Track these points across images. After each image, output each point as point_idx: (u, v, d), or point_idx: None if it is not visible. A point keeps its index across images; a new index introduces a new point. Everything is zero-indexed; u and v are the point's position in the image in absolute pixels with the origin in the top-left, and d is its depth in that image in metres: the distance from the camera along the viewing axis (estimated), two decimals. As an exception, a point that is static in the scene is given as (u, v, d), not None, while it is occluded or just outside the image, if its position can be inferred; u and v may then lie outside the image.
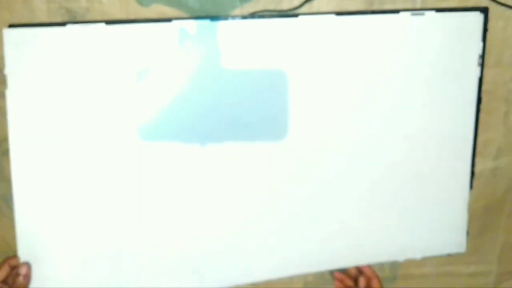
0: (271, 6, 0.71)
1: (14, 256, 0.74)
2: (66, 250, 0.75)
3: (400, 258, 0.80)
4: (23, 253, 0.74)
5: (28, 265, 0.73)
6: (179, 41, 0.68)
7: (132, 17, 0.70)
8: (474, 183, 0.77)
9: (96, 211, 0.74)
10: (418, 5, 0.72)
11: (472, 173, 0.76)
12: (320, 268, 0.80)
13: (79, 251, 0.75)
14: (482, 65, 0.71)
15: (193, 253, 0.77)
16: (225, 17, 0.67)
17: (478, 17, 0.69)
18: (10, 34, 0.67)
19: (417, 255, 0.80)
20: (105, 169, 0.73)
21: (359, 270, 0.79)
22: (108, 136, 0.73)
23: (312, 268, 0.79)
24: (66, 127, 0.72)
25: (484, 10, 0.69)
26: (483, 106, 0.74)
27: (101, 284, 0.75)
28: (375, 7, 0.71)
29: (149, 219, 0.75)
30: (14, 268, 0.72)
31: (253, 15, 0.70)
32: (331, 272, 0.82)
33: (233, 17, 0.67)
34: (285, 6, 0.71)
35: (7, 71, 0.67)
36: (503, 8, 0.72)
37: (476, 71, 0.71)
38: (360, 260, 0.79)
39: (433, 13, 0.68)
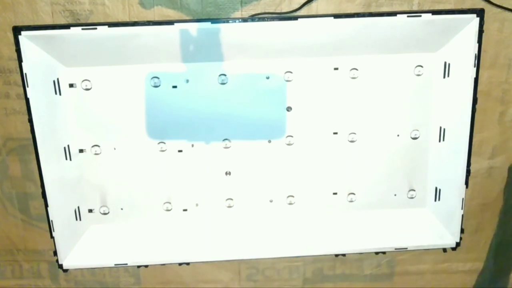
0: (271, 9, 0.72)
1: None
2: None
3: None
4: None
5: None
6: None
7: (135, 19, 0.71)
8: (470, 182, 0.78)
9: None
10: (415, 8, 0.73)
11: (468, 172, 0.77)
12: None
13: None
14: (477, 66, 0.72)
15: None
16: (226, 20, 0.68)
17: (474, 19, 0.70)
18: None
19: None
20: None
21: None
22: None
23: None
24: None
25: (480, 12, 0.70)
26: (478, 106, 0.75)
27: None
28: (373, 9, 0.72)
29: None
30: None
31: (253, 18, 0.70)
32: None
33: (234, 19, 0.68)
34: (285, 8, 0.72)
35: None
36: (498, 10, 0.73)
37: (472, 72, 0.73)
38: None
39: (429, 15, 0.69)
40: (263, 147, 0.79)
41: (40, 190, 0.74)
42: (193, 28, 0.68)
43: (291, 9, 0.72)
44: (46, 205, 0.74)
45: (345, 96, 0.77)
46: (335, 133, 0.79)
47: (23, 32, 0.67)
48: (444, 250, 0.83)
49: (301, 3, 0.72)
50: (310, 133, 0.78)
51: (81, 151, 0.77)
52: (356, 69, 0.75)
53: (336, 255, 0.83)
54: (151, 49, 0.70)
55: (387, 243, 0.81)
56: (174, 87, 0.74)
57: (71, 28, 0.67)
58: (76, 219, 0.79)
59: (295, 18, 0.68)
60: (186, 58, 0.72)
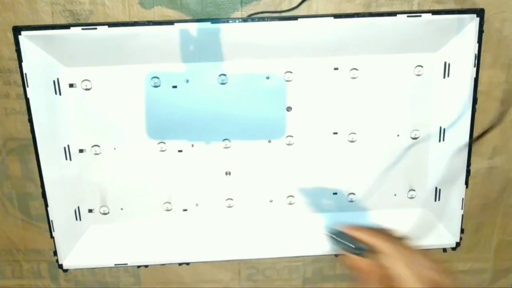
0: (271, 9, 0.72)
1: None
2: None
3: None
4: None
5: None
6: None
7: (135, 19, 0.71)
8: (470, 182, 0.78)
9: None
10: (415, 8, 0.73)
11: (468, 172, 0.77)
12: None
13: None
14: (477, 66, 0.72)
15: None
16: (226, 20, 0.68)
17: (474, 19, 0.70)
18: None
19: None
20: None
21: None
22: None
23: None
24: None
25: (480, 12, 0.70)
26: (478, 106, 0.75)
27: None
28: (373, 9, 0.72)
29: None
30: None
31: (253, 18, 0.70)
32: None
33: (234, 19, 0.68)
34: (285, 8, 0.72)
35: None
36: (498, 10, 0.73)
37: (472, 72, 0.73)
38: None
39: (429, 15, 0.69)
40: (263, 147, 0.79)
41: (40, 190, 0.74)
42: (193, 28, 0.67)
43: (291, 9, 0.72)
44: (46, 205, 0.74)
45: (345, 96, 0.77)
46: (335, 133, 0.79)
47: (23, 32, 0.66)
48: (444, 250, 0.83)
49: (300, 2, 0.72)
50: (310, 133, 0.78)
51: (81, 151, 0.77)
52: (356, 69, 0.75)
53: (336, 255, 0.83)
54: (151, 49, 0.70)
55: (387, 243, 0.81)
56: (174, 87, 0.74)
57: (71, 28, 0.66)
58: (76, 219, 0.79)
59: (295, 18, 0.68)
60: (186, 58, 0.72)
